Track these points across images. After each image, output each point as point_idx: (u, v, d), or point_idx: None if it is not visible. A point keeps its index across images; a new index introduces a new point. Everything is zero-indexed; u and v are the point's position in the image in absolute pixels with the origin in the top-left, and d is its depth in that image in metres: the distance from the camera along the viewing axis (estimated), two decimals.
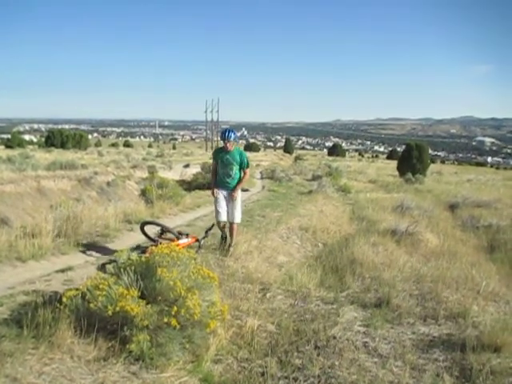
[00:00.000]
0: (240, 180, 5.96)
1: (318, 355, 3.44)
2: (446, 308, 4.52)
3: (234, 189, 5.88)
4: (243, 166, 5.95)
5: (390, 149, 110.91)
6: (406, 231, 8.19)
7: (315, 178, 20.49)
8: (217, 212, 5.93)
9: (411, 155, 28.01)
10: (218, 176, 6.00)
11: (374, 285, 5.34)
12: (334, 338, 3.73)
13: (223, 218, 5.88)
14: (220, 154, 5.95)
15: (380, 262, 6.30)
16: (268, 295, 4.68)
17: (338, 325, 3.99)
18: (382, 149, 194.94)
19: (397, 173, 29.07)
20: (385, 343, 3.70)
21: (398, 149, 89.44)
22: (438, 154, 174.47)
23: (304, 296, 4.74)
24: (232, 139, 5.79)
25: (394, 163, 38.67)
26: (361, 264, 6.11)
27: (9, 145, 43.68)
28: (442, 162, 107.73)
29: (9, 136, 51.25)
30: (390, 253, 6.98)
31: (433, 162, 48.67)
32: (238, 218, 5.96)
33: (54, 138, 42.28)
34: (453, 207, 13.52)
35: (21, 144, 45.18)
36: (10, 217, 10.22)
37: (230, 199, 5.88)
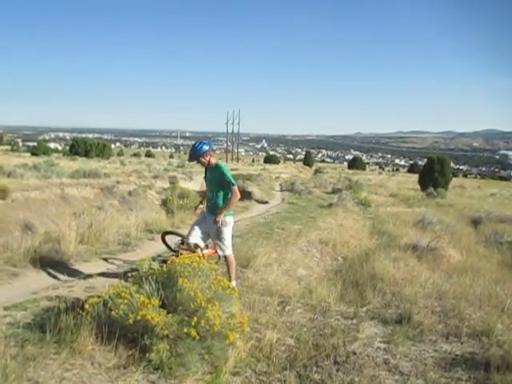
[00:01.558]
0: (225, 203, 4.73)
1: (338, 371, 3.40)
2: (469, 326, 4.41)
3: (217, 214, 4.68)
4: (225, 185, 4.72)
5: (411, 162, 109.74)
6: (427, 246, 8.06)
7: (335, 191, 20.40)
8: (189, 229, 5.03)
9: (433, 169, 27.67)
10: (207, 197, 5.10)
11: (394, 301, 5.25)
12: (354, 353, 3.68)
13: (191, 238, 4.85)
14: (205, 172, 5.01)
15: (401, 278, 6.21)
16: (287, 308, 4.65)
17: (358, 340, 3.93)
18: (402, 162, 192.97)
19: (418, 187, 28.72)
20: (406, 360, 3.63)
21: (420, 162, 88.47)
22: (460, 167, 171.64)
23: (323, 310, 4.70)
24: (204, 151, 4.71)
25: (415, 177, 38.22)
26: (381, 279, 6.03)
27: (34, 152, 44.77)
28: (465, 175, 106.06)
29: (35, 144, 52.53)
30: (412, 268, 6.87)
31: (455, 175, 47.99)
32: (227, 250, 4.85)
33: (78, 147, 43.15)
34: (476, 222, 13.25)
35: (46, 152, 46.28)
36: (34, 223, 10.42)
37: (214, 225, 4.75)
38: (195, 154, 4.70)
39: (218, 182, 4.74)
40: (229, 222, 4.81)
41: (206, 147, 4.69)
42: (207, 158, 4.74)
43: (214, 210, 4.77)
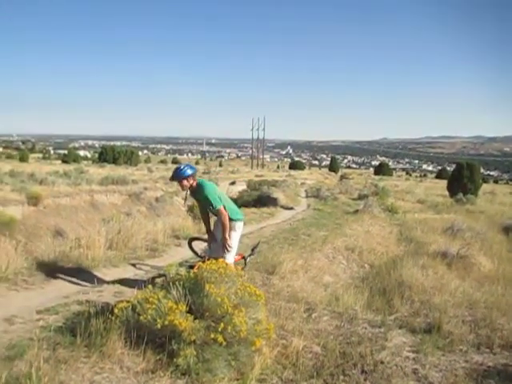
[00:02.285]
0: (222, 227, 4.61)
1: (365, 380, 3.35)
2: (502, 336, 4.27)
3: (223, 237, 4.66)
4: (211, 206, 4.60)
5: (439, 168, 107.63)
6: (457, 254, 7.88)
7: (361, 197, 20.19)
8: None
9: (462, 174, 27.07)
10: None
11: (423, 309, 5.15)
12: (382, 362, 3.62)
13: (211, 254, 4.76)
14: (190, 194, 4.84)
15: (430, 286, 6.08)
16: (313, 315, 4.62)
17: (386, 349, 3.87)
18: (430, 168, 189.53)
19: (446, 193, 28.13)
20: (436, 371, 3.55)
21: (448, 168, 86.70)
22: (491, 173, 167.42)
23: (350, 318, 4.64)
24: (187, 175, 4.56)
25: (443, 183, 37.46)
26: (409, 287, 5.92)
27: (65, 160, 46.04)
28: (495, 181, 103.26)
29: (65, 152, 53.98)
30: (441, 276, 6.73)
31: (485, 181, 46.78)
32: (228, 256, 4.69)
33: (107, 154, 44.15)
34: (507, 229, 12.87)
35: (76, 159, 47.54)
36: (65, 229, 10.70)
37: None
38: (178, 176, 4.54)
39: (206, 201, 4.61)
40: (237, 228, 4.82)
41: (189, 171, 4.54)
42: (190, 182, 4.58)
43: (216, 230, 4.86)
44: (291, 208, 15.68)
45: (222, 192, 4.88)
